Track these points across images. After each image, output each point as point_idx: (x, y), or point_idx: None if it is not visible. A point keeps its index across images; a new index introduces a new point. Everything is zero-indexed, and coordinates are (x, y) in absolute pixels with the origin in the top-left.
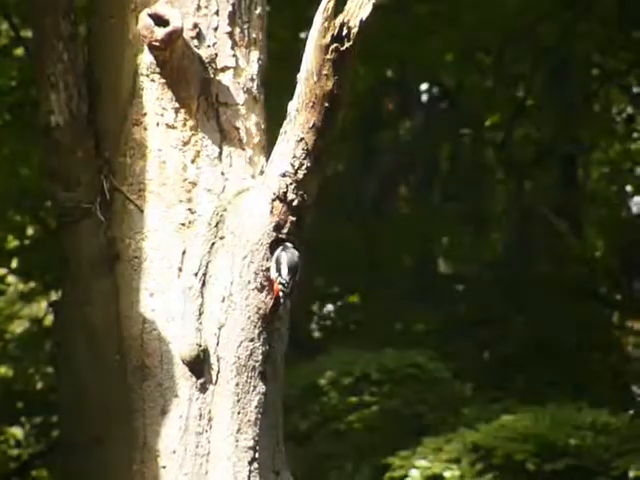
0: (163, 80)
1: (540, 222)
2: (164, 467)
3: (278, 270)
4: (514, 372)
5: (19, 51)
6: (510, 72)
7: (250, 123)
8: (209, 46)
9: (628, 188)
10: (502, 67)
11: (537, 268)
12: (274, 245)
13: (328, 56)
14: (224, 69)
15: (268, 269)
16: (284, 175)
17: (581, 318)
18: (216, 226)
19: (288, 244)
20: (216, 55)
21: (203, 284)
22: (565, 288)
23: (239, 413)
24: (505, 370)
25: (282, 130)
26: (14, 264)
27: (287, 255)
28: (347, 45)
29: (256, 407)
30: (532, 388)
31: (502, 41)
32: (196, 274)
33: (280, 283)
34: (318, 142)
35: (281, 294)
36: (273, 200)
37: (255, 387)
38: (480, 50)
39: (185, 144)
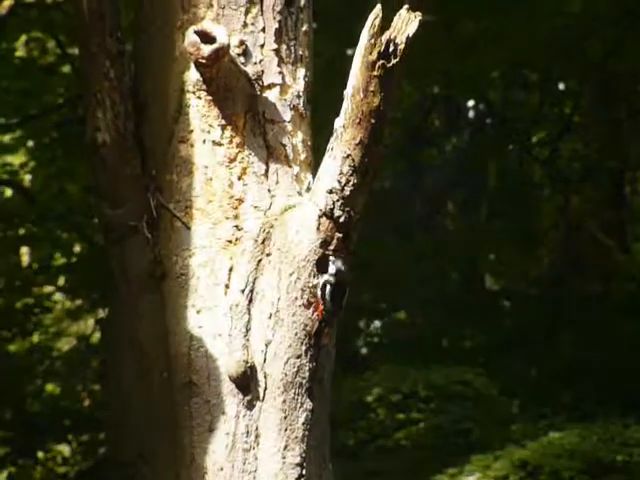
0: (209, 97)
1: (587, 238)
2: None
3: (324, 288)
4: (561, 389)
5: (66, 68)
6: (557, 88)
7: (297, 140)
8: (255, 63)
9: None
10: (549, 83)
11: (584, 285)
12: (321, 262)
13: (375, 73)
14: (271, 86)
15: (315, 286)
16: (331, 192)
17: (628, 335)
18: (263, 243)
19: (335, 260)
20: (263, 72)
21: (250, 301)
22: (612, 305)
23: (286, 430)
24: (552, 387)
25: (329, 147)
26: (61, 282)
27: (335, 272)
28: (394, 62)
29: (303, 424)
30: (579, 405)
31: (549, 57)
32: (243, 291)
33: (327, 300)
34: (365, 158)
35: (328, 312)
36: (320, 217)
37: (302, 404)
38: (527, 66)
39: (232, 161)
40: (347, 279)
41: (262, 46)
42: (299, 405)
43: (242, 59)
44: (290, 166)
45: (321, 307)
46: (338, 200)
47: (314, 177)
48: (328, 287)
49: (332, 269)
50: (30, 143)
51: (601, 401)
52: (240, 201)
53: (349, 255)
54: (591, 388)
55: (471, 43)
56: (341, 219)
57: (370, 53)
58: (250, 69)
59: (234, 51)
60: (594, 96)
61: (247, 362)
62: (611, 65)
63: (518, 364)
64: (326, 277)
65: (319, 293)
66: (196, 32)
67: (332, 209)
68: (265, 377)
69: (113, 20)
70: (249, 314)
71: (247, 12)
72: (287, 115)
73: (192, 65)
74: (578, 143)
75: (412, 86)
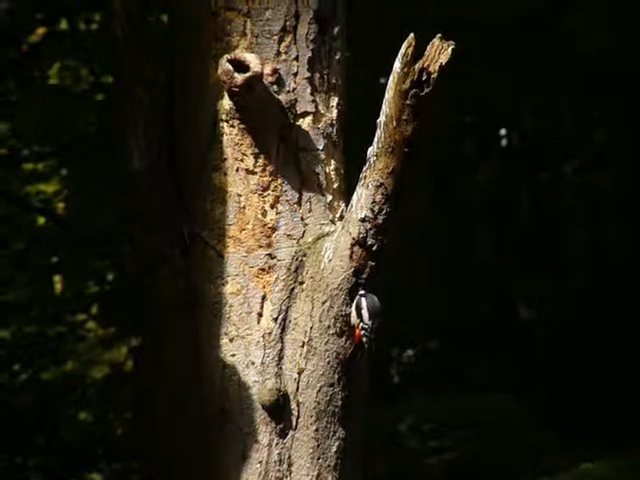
0: (243, 125)
1: (618, 266)
2: None
3: (359, 315)
4: (595, 418)
5: (99, 96)
6: (590, 116)
7: (330, 168)
8: (289, 91)
9: None
10: (581, 111)
11: (616, 314)
12: (354, 290)
13: (408, 101)
14: (304, 114)
15: (348, 314)
16: (364, 220)
17: None
18: (296, 271)
19: (367, 289)
20: (296, 100)
21: (283, 329)
22: None
23: (319, 458)
24: (586, 416)
25: (361, 175)
26: (94, 310)
27: (368, 300)
28: (427, 90)
29: (336, 452)
30: (612, 434)
31: (581, 85)
32: (276, 319)
33: (363, 328)
34: (397, 187)
35: (364, 339)
36: (353, 245)
37: (335, 432)
38: (559, 94)
39: (265, 189)
40: (380, 306)
41: (295, 74)
42: (332, 434)
43: (275, 87)
44: (323, 194)
45: (358, 332)
46: (371, 229)
47: (347, 205)
48: (363, 301)
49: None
50: (64, 171)
51: (633, 432)
52: (273, 229)
53: (381, 283)
54: (624, 417)
55: (503, 70)
56: (374, 248)
57: (403, 82)
58: (283, 97)
59: (267, 79)
60: (625, 123)
61: (280, 390)
62: None
63: (551, 393)
64: (358, 297)
65: (354, 313)
66: (229, 60)
67: (365, 237)
68: (298, 405)
69: (148, 48)
70: (282, 342)
71: (280, 41)
72: (320, 143)
73: (225, 93)
74: (611, 171)
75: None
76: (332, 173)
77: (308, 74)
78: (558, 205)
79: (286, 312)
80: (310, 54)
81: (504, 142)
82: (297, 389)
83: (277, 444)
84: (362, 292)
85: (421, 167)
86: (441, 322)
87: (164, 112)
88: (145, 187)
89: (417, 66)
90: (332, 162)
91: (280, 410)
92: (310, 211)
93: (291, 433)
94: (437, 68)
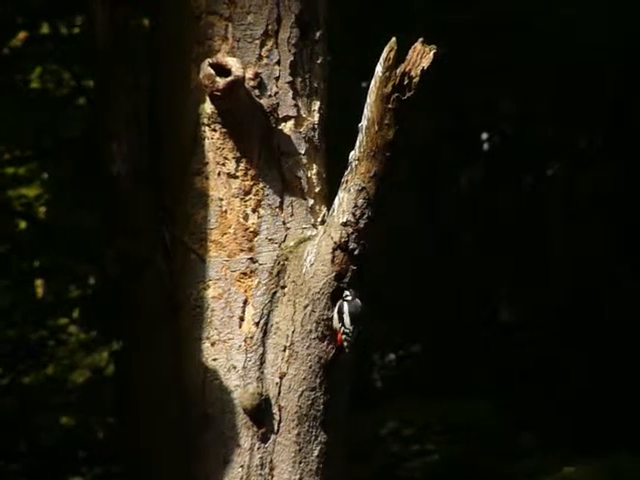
0: (224, 130)
1: (601, 269)
2: None
3: (341, 320)
4: (577, 421)
5: (81, 100)
6: (573, 121)
7: (311, 172)
8: (270, 96)
9: None
10: (564, 116)
11: (598, 316)
12: (335, 294)
13: (389, 105)
14: (285, 118)
15: (330, 318)
16: (346, 224)
17: None
18: (277, 275)
19: (349, 293)
20: (278, 105)
21: (265, 333)
22: (626, 336)
23: (301, 463)
24: (569, 419)
25: (343, 179)
26: (76, 314)
27: (350, 304)
28: (409, 95)
29: (318, 457)
30: (595, 437)
31: (564, 90)
32: (257, 323)
33: (344, 333)
34: (379, 191)
35: (345, 343)
36: (334, 249)
37: (317, 437)
38: (541, 98)
39: (246, 193)
40: (362, 310)
41: (277, 79)
42: (313, 438)
43: (257, 92)
44: (305, 198)
45: (340, 336)
46: (353, 233)
47: (329, 209)
48: (345, 305)
49: (346, 293)
50: (45, 175)
51: (616, 434)
52: (255, 233)
53: (363, 287)
54: (606, 421)
55: (484, 73)
56: (355, 252)
57: (385, 86)
58: (265, 102)
59: (249, 84)
60: (610, 129)
61: (261, 395)
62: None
63: (532, 397)
64: (340, 301)
65: (336, 317)
66: (211, 65)
67: (347, 242)
68: (280, 410)
69: (129, 53)
70: (264, 347)
71: (262, 45)
72: (302, 148)
73: (207, 97)
74: (594, 176)
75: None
76: (314, 177)
77: (290, 78)
78: (541, 208)
79: (268, 316)
80: (292, 58)
81: (486, 146)
82: (279, 393)
83: (259, 448)
84: (347, 295)
85: (404, 171)
86: (423, 326)
87: (146, 116)
88: (127, 191)
89: (399, 70)
90: (314, 166)
91: (262, 414)
92: (292, 215)
93: (273, 437)
94: (419, 72)
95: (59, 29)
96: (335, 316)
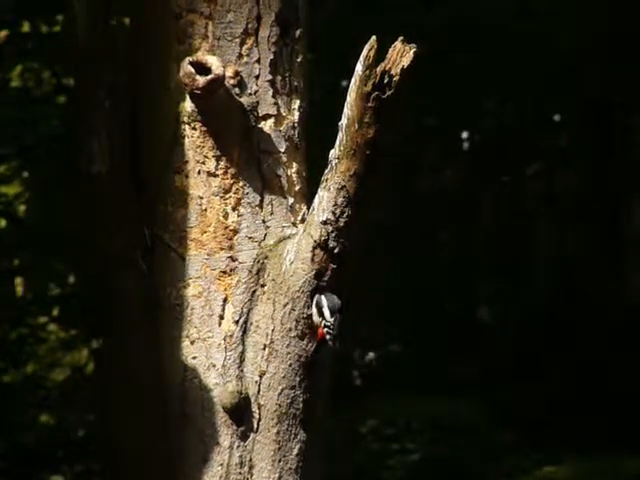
0: (204, 128)
1: (582, 268)
2: None
3: (321, 314)
4: (560, 419)
5: (62, 99)
6: (552, 119)
7: (291, 171)
8: (250, 94)
9: None
10: (543, 114)
11: (579, 315)
12: (315, 293)
13: (370, 104)
14: (265, 117)
15: (309, 317)
16: (325, 223)
17: (625, 365)
18: (257, 274)
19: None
20: (257, 103)
21: (244, 332)
22: (607, 335)
23: (280, 461)
24: (551, 418)
25: (323, 178)
26: (55, 312)
27: (327, 298)
28: (389, 93)
29: (297, 455)
30: (577, 436)
31: (544, 89)
32: (237, 322)
33: (325, 326)
34: (359, 190)
35: (327, 337)
36: (314, 248)
37: (296, 435)
38: (521, 97)
39: (226, 192)
40: (342, 307)
41: (257, 77)
42: (293, 436)
43: (237, 90)
44: (285, 197)
45: (321, 330)
46: (333, 231)
47: (309, 208)
48: (323, 298)
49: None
50: (25, 174)
51: (596, 433)
52: (235, 232)
53: (343, 286)
54: (586, 420)
55: (464, 72)
56: (335, 250)
57: (365, 84)
58: (245, 100)
59: (229, 82)
60: (587, 127)
61: (241, 393)
62: (606, 97)
63: (513, 396)
64: (317, 295)
65: (315, 311)
66: (191, 63)
67: (326, 240)
68: (259, 408)
69: (109, 50)
70: (243, 345)
71: (242, 43)
72: (282, 146)
73: (187, 96)
74: (573, 175)
75: (405, 117)
76: (294, 176)
77: (270, 77)
78: (521, 207)
79: (247, 314)
80: (272, 57)
81: (466, 145)
82: (258, 392)
83: (238, 447)
84: (322, 289)
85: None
86: (404, 324)
87: (126, 115)
88: (106, 190)
89: (379, 69)
90: (294, 165)
91: (241, 413)
92: (272, 214)
93: (252, 436)
94: (399, 71)
95: (40, 27)
96: (314, 310)
